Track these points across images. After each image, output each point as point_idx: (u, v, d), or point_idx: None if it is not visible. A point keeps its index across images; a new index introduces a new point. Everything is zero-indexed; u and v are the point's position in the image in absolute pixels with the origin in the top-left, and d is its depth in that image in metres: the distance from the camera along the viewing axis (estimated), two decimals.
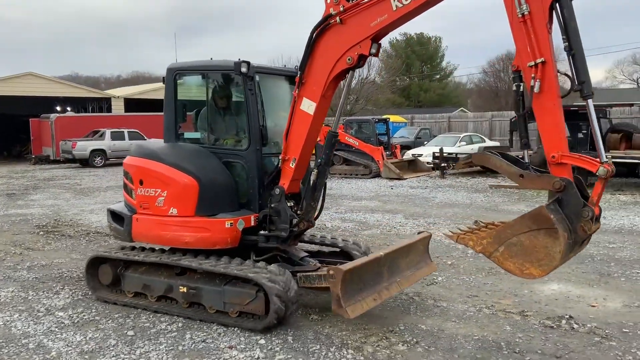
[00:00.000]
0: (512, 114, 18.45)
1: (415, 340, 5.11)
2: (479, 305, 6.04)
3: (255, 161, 5.76)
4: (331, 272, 4.85)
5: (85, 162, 26.91)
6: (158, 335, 5.32)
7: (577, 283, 6.82)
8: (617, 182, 16.65)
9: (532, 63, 4.07)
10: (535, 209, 4.13)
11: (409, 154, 22.99)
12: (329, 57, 5.21)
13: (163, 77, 6.27)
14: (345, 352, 4.85)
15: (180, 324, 5.58)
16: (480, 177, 19.45)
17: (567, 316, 5.64)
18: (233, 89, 6.17)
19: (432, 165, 20.81)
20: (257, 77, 5.81)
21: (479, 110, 49.18)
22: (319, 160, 5.61)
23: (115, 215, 6.45)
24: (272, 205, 5.67)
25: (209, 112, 6.18)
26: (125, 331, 5.43)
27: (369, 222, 11.31)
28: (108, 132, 27.89)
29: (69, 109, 36.25)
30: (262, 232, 5.77)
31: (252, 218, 5.81)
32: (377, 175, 20.14)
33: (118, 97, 37.35)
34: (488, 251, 4.28)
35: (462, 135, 25.09)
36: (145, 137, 28.69)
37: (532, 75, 4.07)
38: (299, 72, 5.39)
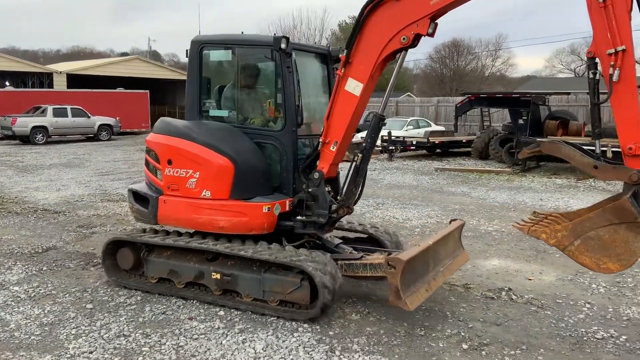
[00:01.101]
0: (458, 99, 19.10)
1: (367, 310, 5.40)
2: None
3: (291, 143, 5.47)
4: (390, 262, 4.67)
5: (25, 139, 25.95)
6: (117, 308, 5.42)
7: (516, 259, 7.30)
8: (553, 167, 17.54)
9: (612, 51, 3.93)
10: (616, 202, 4.05)
11: (358, 137, 23.31)
12: (381, 36, 4.91)
13: (187, 50, 5.87)
14: (302, 322, 5.08)
15: (139, 297, 5.68)
16: (426, 160, 20.04)
17: (507, 288, 6.07)
18: (268, 66, 5.81)
19: (380, 148, 21.26)
20: (294, 55, 5.51)
21: (424, 95, 50.21)
22: (364, 144, 5.35)
23: (137, 196, 6.04)
24: (310, 190, 5.40)
25: (238, 89, 5.83)
26: (84, 304, 5.49)
27: None
28: (50, 109, 26.96)
29: (7, 83, 34.80)
30: (299, 217, 5.53)
31: (287, 203, 5.54)
32: None
33: (60, 72, 36.12)
34: (562, 244, 4.20)
35: (409, 120, 25.64)
36: (90, 115, 28.02)
37: (611, 63, 3.95)
38: (345, 51, 5.12)
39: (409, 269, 4.75)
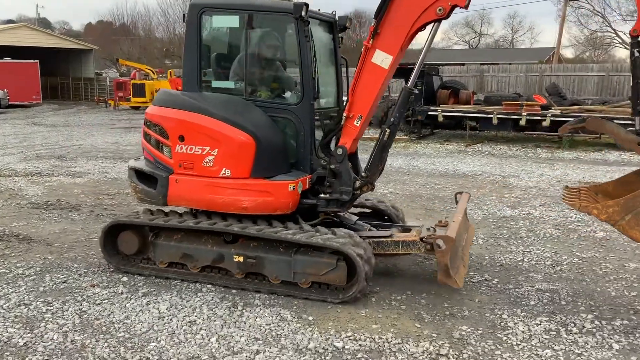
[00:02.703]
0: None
1: None
2: None
3: (309, 117, 5.17)
4: (438, 241, 4.62)
5: None
6: (16, 279, 5.37)
7: (406, 216, 7.84)
8: (445, 134, 18.63)
9: None
10: None
11: None
12: (415, 6, 4.71)
13: (184, 14, 5.42)
14: (205, 283, 5.30)
15: (38, 268, 5.65)
16: None
17: None
18: (283, 34, 5.52)
19: None
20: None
21: None
22: (392, 119, 5.07)
23: (142, 175, 5.55)
24: (332, 167, 5.17)
25: (246, 59, 5.35)
26: None
27: None
28: None
29: None
30: (322, 195, 5.29)
31: (307, 180, 5.29)
32: None
33: None
34: (613, 219, 4.25)
35: None
36: None
37: None
38: (374, 21, 4.85)
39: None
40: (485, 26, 66.87)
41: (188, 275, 5.34)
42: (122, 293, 5.08)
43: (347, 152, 5.13)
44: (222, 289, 5.16)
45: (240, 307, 4.79)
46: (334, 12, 5.43)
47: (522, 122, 15.91)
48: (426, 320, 4.58)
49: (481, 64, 27.79)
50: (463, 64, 29.68)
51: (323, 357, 3.98)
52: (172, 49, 49.82)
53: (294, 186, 5.07)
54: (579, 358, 3.99)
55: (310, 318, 4.60)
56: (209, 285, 5.23)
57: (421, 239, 4.99)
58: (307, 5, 4.94)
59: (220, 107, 5.19)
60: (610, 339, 4.28)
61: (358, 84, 5.03)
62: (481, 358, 3.99)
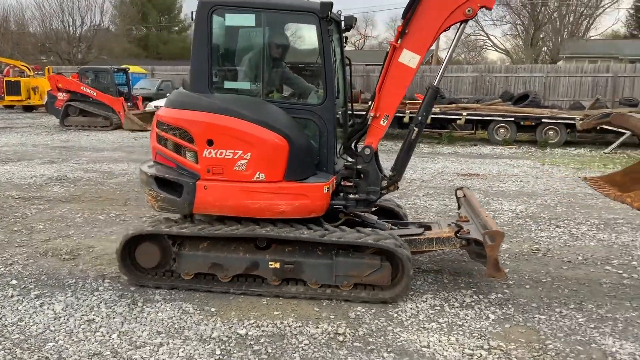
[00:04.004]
0: None
1: None
2: None
3: (332, 117, 5.05)
4: (488, 237, 4.72)
5: None
6: None
7: None
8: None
9: None
10: None
11: (151, 106, 22.78)
12: (445, 7, 4.79)
13: (192, 12, 5.13)
14: (102, 282, 5.23)
15: None
16: None
17: None
18: (304, 34, 5.40)
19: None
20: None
21: None
22: (419, 118, 5.14)
23: (162, 182, 5.15)
24: (359, 167, 5.20)
25: (264, 59, 5.18)
26: None
27: (115, 171, 11.35)
28: None
29: None
30: (351, 195, 5.25)
31: (334, 181, 5.17)
32: (119, 127, 19.74)
33: None
34: None
35: None
36: None
37: None
38: (402, 21, 4.88)
39: None
40: (370, 29, 69.41)
41: (217, 286, 5.10)
42: (12, 296, 4.89)
43: (374, 152, 5.21)
44: (120, 287, 5.11)
45: (140, 304, 4.79)
46: (339, 12, 5.53)
47: (406, 120, 16.80)
48: (324, 304, 4.84)
49: (366, 65, 28.80)
50: (350, 65, 30.57)
51: (227, 345, 4.11)
52: (48, 44, 46.96)
53: (328, 188, 4.98)
54: (460, 328, 4.43)
55: (213, 309, 4.71)
56: (106, 284, 5.16)
57: (456, 235, 5.17)
58: (332, 4, 4.89)
59: (248, 109, 4.99)
60: (487, 310, 4.79)
61: (385, 83, 5.05)
62: (375, 334, 4.32)
